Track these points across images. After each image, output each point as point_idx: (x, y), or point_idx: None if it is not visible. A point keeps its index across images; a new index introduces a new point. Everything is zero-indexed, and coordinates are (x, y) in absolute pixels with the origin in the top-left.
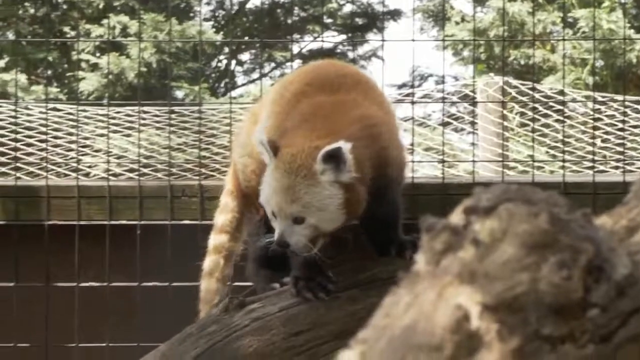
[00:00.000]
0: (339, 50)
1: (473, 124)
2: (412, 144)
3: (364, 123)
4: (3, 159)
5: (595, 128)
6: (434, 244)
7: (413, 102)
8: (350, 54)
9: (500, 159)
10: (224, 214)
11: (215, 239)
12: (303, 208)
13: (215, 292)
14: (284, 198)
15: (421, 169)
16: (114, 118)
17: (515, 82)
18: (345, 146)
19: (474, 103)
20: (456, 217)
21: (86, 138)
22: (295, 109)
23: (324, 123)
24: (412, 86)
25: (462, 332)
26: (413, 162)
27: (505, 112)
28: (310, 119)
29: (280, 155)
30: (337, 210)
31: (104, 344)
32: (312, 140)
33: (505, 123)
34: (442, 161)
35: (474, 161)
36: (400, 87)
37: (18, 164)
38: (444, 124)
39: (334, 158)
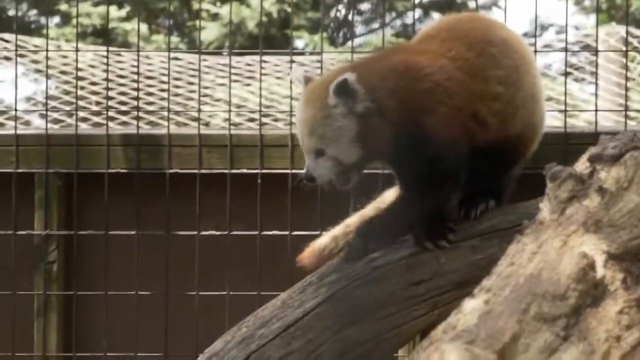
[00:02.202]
0: (459, 1)
1: (594, 74)
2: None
3: (410, 62)
4: (124, 108)
5: None
6: (558, 193)
7: (536, 52)
8: (471, 4)
9: (622, 109)
10: None
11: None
12: (319, 140)
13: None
14: (304, 130)
15: None
16: (234, 67)
17: (637, 31)
18: (351, 77)
19: (595, 53)
20: (581, 165)
21: (206, 87)
22: None
23: (370, 57)
24: (535, 35)
25: (586, 281)
26: None
27: (627, 61)
28: (362, 60)
29: (305, 88)
30: (353, 141)
31: (224, 293)
32: (334, 72)
33: (627, 73)
34: (565, 111)
35: (596, 110)
36: (522, 36)
37: (140, 114)
38: (566, 74)
39: (344, 89)
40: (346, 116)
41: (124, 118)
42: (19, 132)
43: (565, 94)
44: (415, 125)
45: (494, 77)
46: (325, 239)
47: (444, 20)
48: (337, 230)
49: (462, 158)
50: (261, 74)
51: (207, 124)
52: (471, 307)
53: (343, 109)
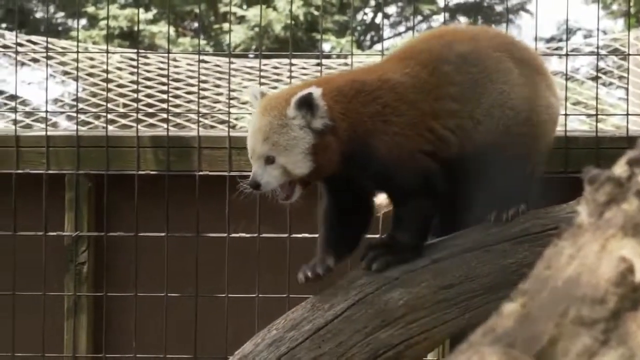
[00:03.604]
0: (486, 4)
1: (621, 78)
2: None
3: (359, 85)
4: (150, 110)
5: None
6: (596, 196)
7: (567, 55)
8: (498, 7)
9: None
10: None
11: None
12: (272, 146)
13: None
14: (256, 138)
15: (569, 122)
16: (260, 70)
17: None
18: (316, 92)
19: (624, 57)
20: (619, 168)
21: (233, 90)
22: None
23: (322, 77)
24: (566, 39)
25: (626, 284)
26: (566, 115)
27: None
28: (328, 77)
29: (261, 100)
30: (305, 153)
31: (253, 295)
32: (293, 88)
33: None
34: (596, 115)
35: (627, 114)
36: (549, 40)
37: (169, 116)
38: (595, 78)
39: (307, 103)
40: (303, 128)
41: (151, 120)
42: (49, 133)
43: (597, 98)
44: (363, 146)
45: (447, 94)
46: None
47: (414, 38)
48: None
49: (427, 172)
50: (290, 77)
51: (233, 127)
52: (509, 310)
53: (301, 121)
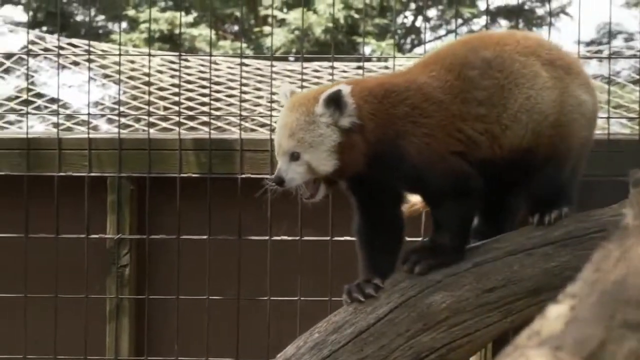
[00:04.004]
0: (527, 7)
1: None
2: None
3: (388, 86)
4: (190, 113)
5: None
6: None
7: (610, 57)
8: (539, 11)
9: None
10: None
11: None
12: (298, 143)
13: None
14: (282, 133)
15: (610, 126)
16: (300, 73)
17: None
18: (345, 89)
19: None
20: None
21: (273, 93)
22: None
23: (351, 80)
24: (609, 42)
25: None
26: (608, 118)
27: None
28: (358, 79)
29: (290, 98)
30: (330, 151)
31: (295, 298)
32: (321, 87)
33: None
34: (638, 118)
35: None
36: (589, 44)
37: (207, 119)
38: (636, 81)
39: (335, 101)
40: (330, 126)
41: (191, 123)
42: (91, 136)
43: None
44: (393, 147)
45: (474, 98)
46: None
47: (441, 45)
48: None
49: (459, 173)
50: (333, 81)
51: (273, 130)
52: (556, 313)
53: (328, 119)
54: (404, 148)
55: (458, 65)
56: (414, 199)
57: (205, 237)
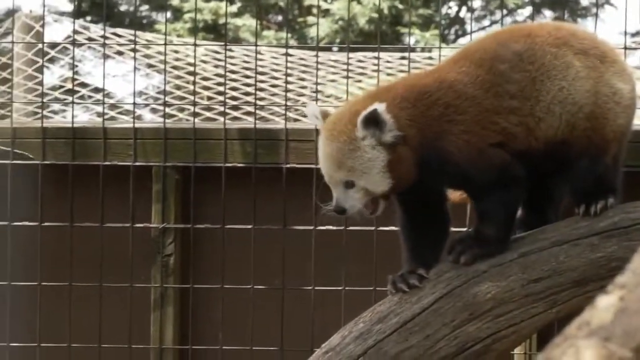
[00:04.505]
0: None
1: None
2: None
3: (419, 89)
4: (234, 103)
5: None
6: None
7: None
8: (584, 1)
9: None
10: None
11: None
12: (349, 172)
13: None
14: (330, 165)
15: None
16: (345, 63)
17: None
18: (380, 107)
19: None
20: None
21: (317, 83)
22: None
23: (378, 88)
24: None
25: None
26: None
27: None
28: (380, 85)
29: (325, 123)
30: (382, 172)
31: (340, 288)
32: (353, 105)
33: None
34: None
35: None
36: (634, 35)
37: (252, 109)
38: None
39: (373, 121)
40: (375, 147)
41: (235, 113)
42: (136, 125)
43: None
44: (434, 149)
45: (506, 92)
46: None
47: (470, 42)
48: None
49: (501, 164)
50: (379, 71)
51: None
52: (606, 303)
53: (371, 140)
54: (444, 149)
55: (488, 59)
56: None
57: (249, 226)
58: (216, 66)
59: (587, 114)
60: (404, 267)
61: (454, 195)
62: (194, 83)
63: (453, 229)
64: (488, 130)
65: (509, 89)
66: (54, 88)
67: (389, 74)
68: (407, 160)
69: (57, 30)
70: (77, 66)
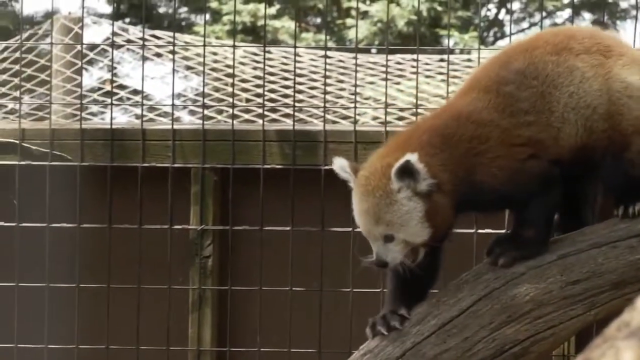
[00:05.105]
0: (610, 0)
1: None
2: None
3: (440, 130)
4: (272, 105)
5: None
6: None
7: None
8: (623, 4)
9: None
10: None
11: None
12: (387, 227)
13: None
14: (367, 220)
15: None
16: (384, 65)
17: None
18: (413, 157)
19: None
20: None
21: (356, 85)
22: None
23: (400, 136)
24: None
25: None
26: None
27: None
28: (400, 133)
29: (357, 179)
30: (421, 222)
31: (378, 290)
32: (383, 157)
33: None
34: None
35: None
36: None
37: (290, 111)
38: None
39: (407, 172)
40: (412, 199)
41: (273, 115)
42: (175, 127)
43: None
44: (470, 186)
45: (520, 110)
46: None
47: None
48: None
49: (537, 172)
50: (417, 73)
51: (355, 122)
52: None
53: (407, 192)
54: (479, 181)
55: (494, 84)
56: None
57: (288, 228)
58: (255, 68)
59: (602, 114)
60: (386, 307)
61: None
62: (233, 85)
63: (490, 231)
64: (515, 146)
65: (522, 107)
66: (92, 90)
67: (427, 76)
68: (444, 207)
69: (96, 32)
70: (115, 68)
